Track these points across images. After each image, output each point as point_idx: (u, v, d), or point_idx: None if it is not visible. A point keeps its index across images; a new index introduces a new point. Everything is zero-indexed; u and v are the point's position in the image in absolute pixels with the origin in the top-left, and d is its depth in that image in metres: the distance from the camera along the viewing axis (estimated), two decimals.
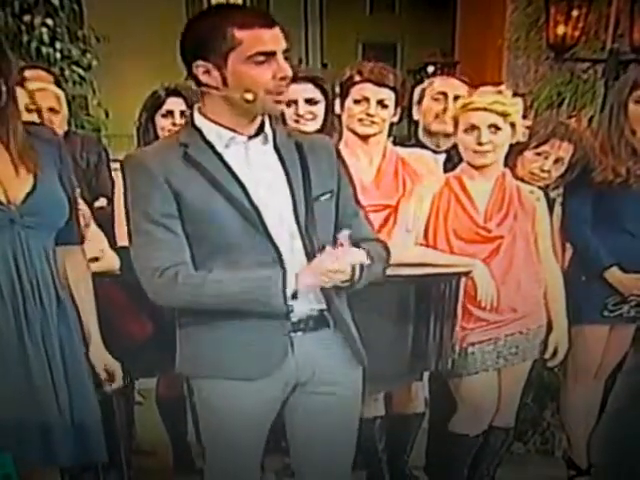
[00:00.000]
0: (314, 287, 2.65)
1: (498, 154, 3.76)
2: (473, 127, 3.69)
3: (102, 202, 4.77)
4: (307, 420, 2.88)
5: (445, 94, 4.51)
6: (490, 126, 3.67)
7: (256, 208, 2.61)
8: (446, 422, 4.04)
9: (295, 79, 4.14)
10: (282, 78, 2.55)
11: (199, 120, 2.69)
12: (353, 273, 2.61)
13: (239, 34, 2.50)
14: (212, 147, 2.65)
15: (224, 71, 2.55)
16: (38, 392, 2.62)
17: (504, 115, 3.67)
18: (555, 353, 3.98)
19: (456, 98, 4.35)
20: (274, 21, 2.55)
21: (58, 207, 2.72)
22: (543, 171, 4.05)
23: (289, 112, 4.11)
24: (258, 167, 2.68)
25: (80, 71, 11.83)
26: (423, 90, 4.63)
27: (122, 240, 3.91)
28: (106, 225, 3.91)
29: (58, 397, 2.66)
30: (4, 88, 2.62)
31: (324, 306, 2.76)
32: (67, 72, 11.17)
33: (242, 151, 2.68)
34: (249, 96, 2.57)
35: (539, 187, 3.99)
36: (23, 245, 2.61)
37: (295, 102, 4.08)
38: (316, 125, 4.14)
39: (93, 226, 3.65)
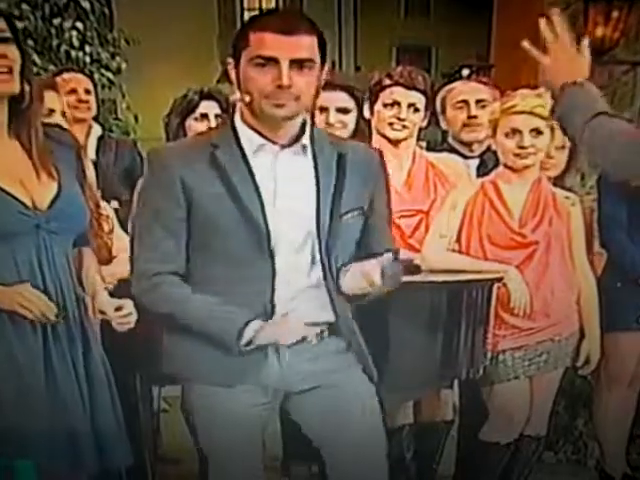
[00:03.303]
0: (274, 340, 2.62)
1: (538, 157, 3.73)
2: (515, 131, 3.67)
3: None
4: (322, 425, 2.84)
5: (466, 101, 4.43)
6: (532, 130, 3.65)
7: (265, 221, 2.58)
8: (476, 430, 4.00)
9: (329, 86, 4.13)
10: (279, 86, 2.50)
11: (238, 122, 2.68)
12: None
13: (252, 36, 2.51)
14: (242, 151, 2.63)
15: (239, 70, 2.57)
16: (65, 399, 2.61)
17: (546, 119, 3.62)
18: (587, 361, 3.93)
19: (478, 102, 4.32)
20: (302, 29, 2.52)
21: (81, 212, 2.72)
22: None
23: (320, 119, 4.07)
24: (285, 178, 2.65)
25: (109, 75, 11.92)
26: (444, 99, 4.54)
27: None
28: None
29: (84, 403, 2.65)
30: (27, 88, 2.60)
31: (327, 318, 2.73)
32: (96, 75, 11.22)
33: (271, 160, 2.64)
34: (246, 98, 2.57)
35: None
36: (47, 250, 2.61)
37: (326, 109, 4.03)
38: (345, 134, 4.10)
39: (118, 231, 3.62)
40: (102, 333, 2.97)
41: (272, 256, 2.60)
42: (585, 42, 2.75)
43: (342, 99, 4.05)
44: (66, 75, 5.18)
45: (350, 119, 4.06)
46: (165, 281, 2.64)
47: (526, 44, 2.73)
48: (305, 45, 2.51)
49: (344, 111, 4.03)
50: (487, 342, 3.68)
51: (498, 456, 3.99)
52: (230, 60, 2.59)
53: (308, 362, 2.73)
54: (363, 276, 2.54)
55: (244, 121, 2.66)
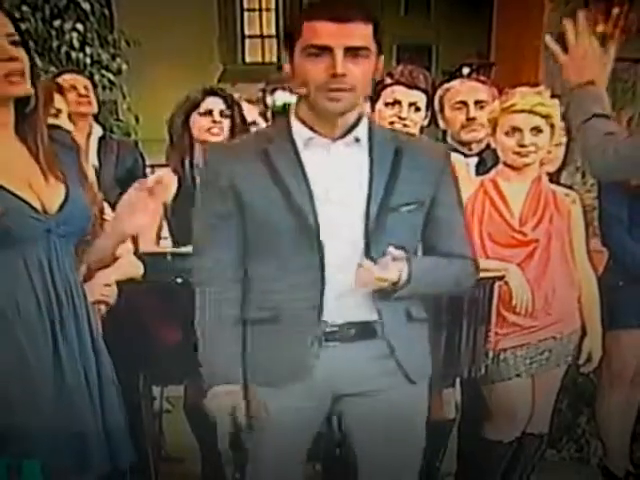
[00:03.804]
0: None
1: (539, 155, 3.72)
2: (515, 129, 3.66)
3: None
4: (363, 430, 2.80)
5: (465, 102, 4.42)
6: (532, 128, 3.64)
7: (315, 215, 2.57)
8: (478, 428, 4.00)
9: None
10: (333, 75, 2.46)
11: (292, 117, 2.67)
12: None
13: (305, 25, 2.48)
14: (294, 146, 2.63)
15: (293, 63, 2.55)
16: (74, 400, 2.60)
17: (546, 117, 3.62)
18: (589, 359, 3.91)
19: (477, 103, 4.31)
20: (358, 16, 2.48)
21: (86, 215, 2.71)
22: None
23: None
24: (337, 171, 2.62)
25: (110, 76, 11.92)
26: (442, 98, 4.52)
27: (143, 246, 3.92)
28: None
29: (93, 404, 2.65)
30: (32, 91, 2.60)
31: (372, 317, 2.67)
32: (97, 77, 11.25)
33: (323, 153, 2.62)
34: (303, 90, 2.55)
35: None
36: (58, 254, 2.60)
37: None
38: None
39: None
40: (104, 331, 2.97)
41: (321, 251, 2.58)
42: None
43: None
44: (66, 76, 5.21)
45: None
46: (200, 285, 2.71)
47: (548, 39, 2.73)
48: (360, 33, 2.47)
49: None
50: (489, 340, 3.68)
51: (500, 454, 3.98)
52: (286, 54, 2.57)
53: (354, 364, 2.68)
54: (358, 272, 2.53)
55: (297, 116, 2.64)
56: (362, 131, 2.64)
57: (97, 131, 5.25)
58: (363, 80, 2.52)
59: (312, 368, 2.65)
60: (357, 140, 2.63)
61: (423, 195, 2.68)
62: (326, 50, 2.45)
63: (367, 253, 2.59)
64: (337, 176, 2.61)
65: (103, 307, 3.36)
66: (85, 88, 5.13)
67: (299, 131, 2.62)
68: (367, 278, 2.53)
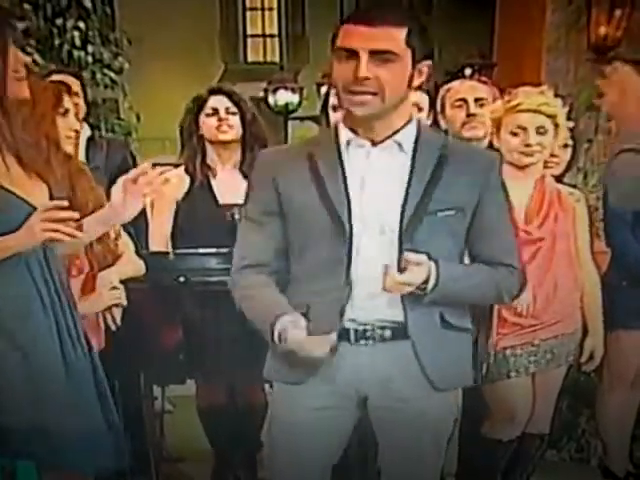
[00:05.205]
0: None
1: (544, 155, 3.74)
2: (520, 129, 3.67)
3: None
4: (384, 436, 2.77)
5: (465, 100, 4.43)
6: (538, 128, 3.65)
7: (350, 217, 2.57)
8: (479, 427, 3.99)
9: None
10: (356, 78, 2.47)
11: (341, 120, 2.69)
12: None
13: (341, 28, 2.52)
14: (338, 148, 2.63)
15: (333, 64, 2.56)
16: (79, 398, 2.62)
17: (551, 117, 3.63)
18: (591, 357, 3.93)
19: (477, 100, 4.32)
20: (388, 20, 2.48)
21: None
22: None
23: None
24: (375, 175, 2.61)
25: (111, 74, 11.91)
26: (443, 98, 4.53)
27: (154, 245, 3.92)
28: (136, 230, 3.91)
29: (95, 403, 2.67)
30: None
31: (401, 319, 2.63)
32: (98, 75, 11.27)
33: (363, 156, 2.62)
34: (335, 91, 2.62)
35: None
36: (52, 252, 2.64)
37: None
38: None
39: (124, 236, 3.63)
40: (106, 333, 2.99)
41: (350, 251, 2.58)
42: None
43: None
44: (55, 77, 5.18)
45: None
46: (242, 275, 2.71)
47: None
48: (388, 36, 2.47)
49: None
50: (490, 340, 3.68)
51: (500, 454, 3.99)
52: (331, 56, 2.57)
53: (380, 365, 2.65)
54: (383, 277, 2.50)
55: (343, 119, 2.66)
56: (406, 136, 2.63)
57: (85, 131, 5.23)
58: (391, 85, 2.50)
59: (332, 366, 2.62)
60: (399, 145, 2.62)
61: (463, 202, 2.64)
62: (353, 53, 2.47)
63: (400, 256, 2.56)
64: (375, 179, 2.61)
65: (116, 310, 3.38)
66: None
67: (344, 133, 2.63)
68: (390, 283, 2.51)
